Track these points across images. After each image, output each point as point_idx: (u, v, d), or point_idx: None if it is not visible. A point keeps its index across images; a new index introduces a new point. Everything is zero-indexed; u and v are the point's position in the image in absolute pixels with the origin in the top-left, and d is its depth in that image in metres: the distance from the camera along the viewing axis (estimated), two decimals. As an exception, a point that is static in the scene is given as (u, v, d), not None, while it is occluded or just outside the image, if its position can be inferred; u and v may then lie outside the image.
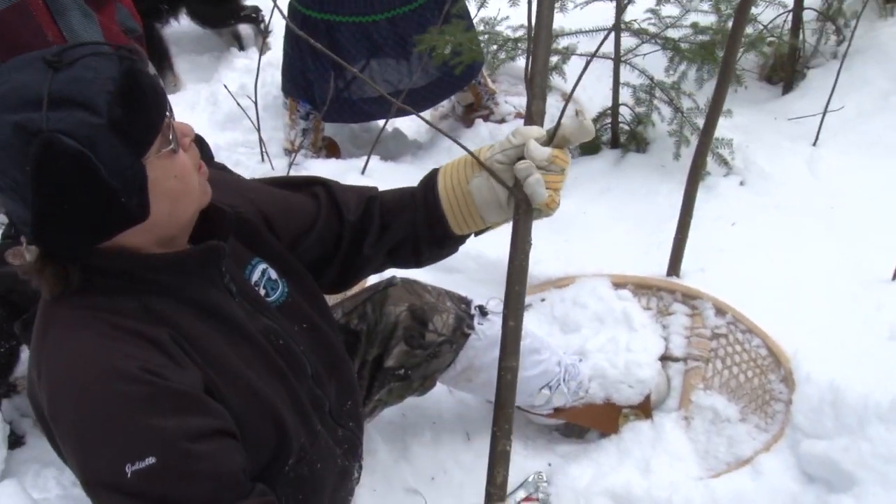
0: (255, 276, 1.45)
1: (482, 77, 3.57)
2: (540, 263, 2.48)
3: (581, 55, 2.95)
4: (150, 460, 1.09)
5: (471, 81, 3.39)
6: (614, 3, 2.86)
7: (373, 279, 2.00)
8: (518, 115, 3.61)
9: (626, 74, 2.97)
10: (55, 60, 1.07)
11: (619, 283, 2.39)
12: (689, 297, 2.34)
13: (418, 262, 1.67)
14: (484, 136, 3.38)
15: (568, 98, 1.40)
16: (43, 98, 1.04)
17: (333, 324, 1.64)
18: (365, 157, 3.04)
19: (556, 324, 2.38)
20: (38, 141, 1.04)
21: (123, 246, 1.20)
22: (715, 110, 2.14)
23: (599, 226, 2.72)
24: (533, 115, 1.41)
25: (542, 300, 2.45)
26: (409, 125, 3.70)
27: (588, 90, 3.45)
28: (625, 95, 3.01)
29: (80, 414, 1.13)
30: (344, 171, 2.95)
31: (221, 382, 1.26)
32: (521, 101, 3.71)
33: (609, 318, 2.31)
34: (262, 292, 1.45)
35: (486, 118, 3.55)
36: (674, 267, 2.38)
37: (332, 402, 1.57)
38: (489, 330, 1.92)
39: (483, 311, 1.96)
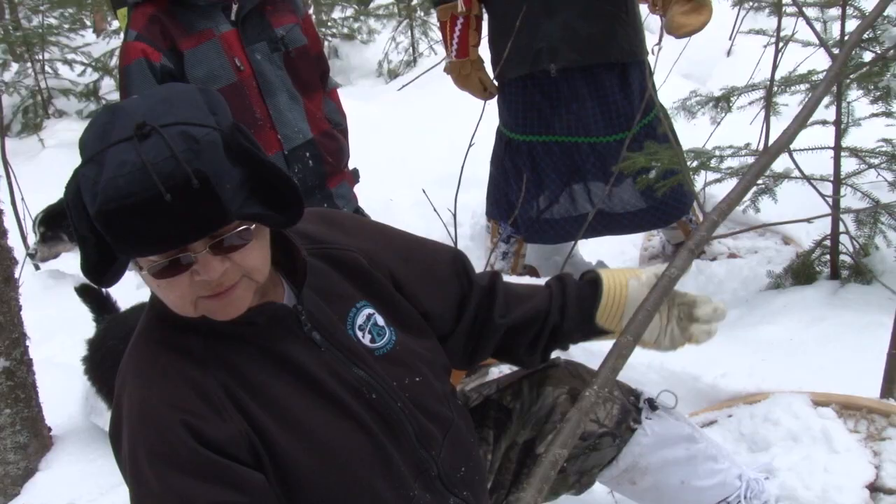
0: (360, 320, 1.40)
1: (694, 214, 3.45)
2: (727, 377, 2.24)
3: (796, 178, 2.77)
4: None
5: (680, 217, 3.28)
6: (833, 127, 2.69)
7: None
8: (731, 255, 3.42)
9: (848, 198, 2.74)
10: (145, 133, 1.10)
11: (820, 402, 2.07)
12: (908, 421, 1.97)
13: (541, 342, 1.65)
14: (691, 271, 3.22)
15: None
16: (103, 147, 1.11)
17: (447, 383, 1.54)
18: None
19: (742, 442, 2.09)
20: (77, 170, 1.15)
21: None
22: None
23: (806, 350, 2.42)
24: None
25: (729, 416, 2.18)
26: (613, 257, 3.63)
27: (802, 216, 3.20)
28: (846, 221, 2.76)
29: (123, 451, 1.25)
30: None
31: (279, 429, 1.25)
32: (734, 243, 3.53)
33: (805, 436, 1.99)
34: (367, 338, 1.39)
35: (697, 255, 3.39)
36: (889, 387, 2.04)
37: (443, 466, 1.45)
38: (658, 426, 1.70)
39: (653, 405, 1.75)
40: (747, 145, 2.80)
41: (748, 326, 2.69)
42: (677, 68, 4.78)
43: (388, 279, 1.46)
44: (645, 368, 2.27)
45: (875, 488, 1.87)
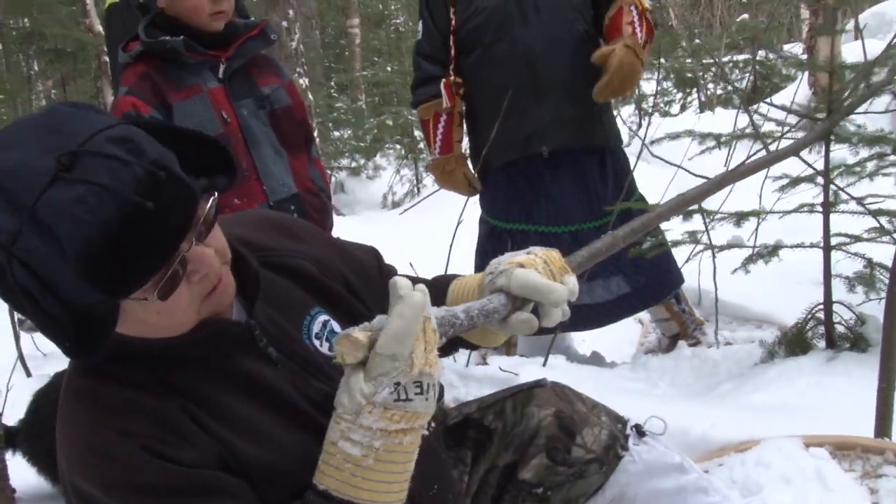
0: (316, 328, 1.32)
1: (686, 304, 3.43)
2: (716, 427, 2.15)
3: (786, 247, 2.78)
4: None
5: (668, 293, 3.26)
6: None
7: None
8: (727, 344, 3.37)
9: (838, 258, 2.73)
10: (65, 165, 0.94)
11: (813, 444, 1.99)
12: (905, 458, 1.88)
13: None
14: (686, 356, 3.17)
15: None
16: (27, 208, 0.93)
17: None
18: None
19: (734, 489, 1.97)
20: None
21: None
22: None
23: (800, 409, 2.34)
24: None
25: (720, 465, 2.08)
26: (611, 352, 3.57)
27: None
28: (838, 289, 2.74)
29: (79, 490, 1.10)
30: (520, 364, 2.86)
31: (249, 445, 1.16)
32: (731, 334, 3.50)
33: (798, 478, 1.89)
34: (325, 346, 1.32)
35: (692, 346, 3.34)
36: (882, 426, 1.96)
37: (414, 482, 1.38)
38: (647, 453, 1.59)
39: (640, 432, 1.65)
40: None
41: (740, 395, 2.61)
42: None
43: (341, 284, 1.40)
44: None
45: (874, 526, 1.76)
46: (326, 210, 2.57)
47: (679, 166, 2.94)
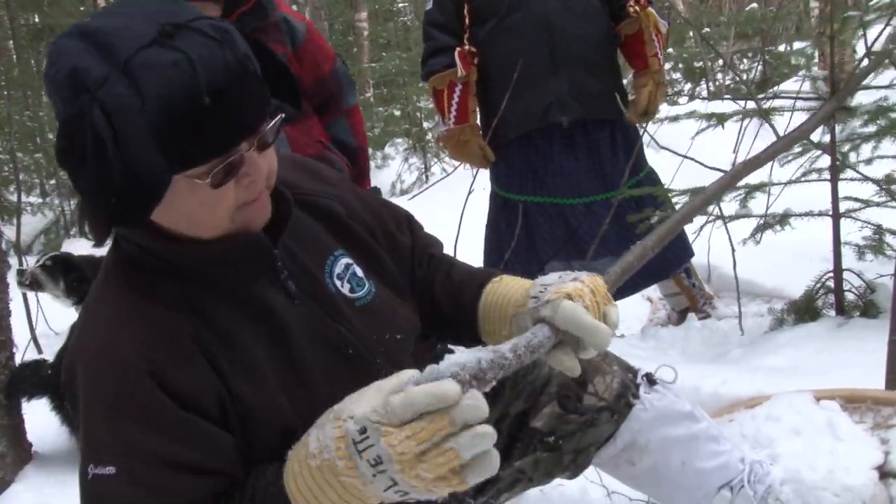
0: (339, 269, 1.33)
1: (696, 279, 3.43)
2: (727, 384, 2.16)
3: (795, 216, 2.79)
4: (110, 469, 1.06)
5: (672, 273, 3.27)
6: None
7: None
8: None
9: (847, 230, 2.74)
10: (167, 32, 0.98)
11: (823, 398, 1.99)
12: (916, 409, 1.89)
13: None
14: (696, 327, 3.18)
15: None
16: (121, 61, 0.97)
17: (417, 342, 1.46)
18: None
19: (744, 442, 1.98)
20: (79, 100, 0.98)
21: (162, 227, 1.13)
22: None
23: (811, 370, 2.34)
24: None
25: (731, 421, 2.08)
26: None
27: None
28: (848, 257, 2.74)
29: (76, 392, 1.12)
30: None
31: (247, 384, 1.15)
32: (742, 309, 3.49)
33: (808, 428, 1.90)
34: (346, 287, 1.32)
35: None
36: (893, 379, 1.96)
37: None
38: (658, 401, 1.61)
39: (651, 380, 1.65)
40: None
41: (751, 360, 2.62)
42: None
43: (366, 232, 1.41)
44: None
45: (885, 473, 1.76)
46: (341, 171, 2.53)
47: (685, 156, 2.99)
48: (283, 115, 1.12)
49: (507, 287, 1.39)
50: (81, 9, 12.85)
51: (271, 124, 1.10)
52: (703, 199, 2.01)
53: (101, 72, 0.97)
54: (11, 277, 2.57)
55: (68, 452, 2.41)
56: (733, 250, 3.04)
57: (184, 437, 1.09)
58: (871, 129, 2.71)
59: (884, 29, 2.74)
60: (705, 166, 2.94)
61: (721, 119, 3.04)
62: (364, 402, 0.97)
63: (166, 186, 1.01)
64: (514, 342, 1.12)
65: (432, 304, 1.48)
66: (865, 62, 2.74)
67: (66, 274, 3.10)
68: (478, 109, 3.15)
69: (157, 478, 1.07)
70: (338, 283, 1.31)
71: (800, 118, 2.72)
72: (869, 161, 2.66)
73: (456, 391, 0.93)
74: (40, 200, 7.92)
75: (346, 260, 1.34)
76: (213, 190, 1.06)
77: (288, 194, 1.25)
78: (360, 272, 1.35)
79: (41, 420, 2.44)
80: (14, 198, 7.04)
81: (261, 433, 1.16)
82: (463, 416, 0.93)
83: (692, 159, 3.03)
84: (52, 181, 8.01)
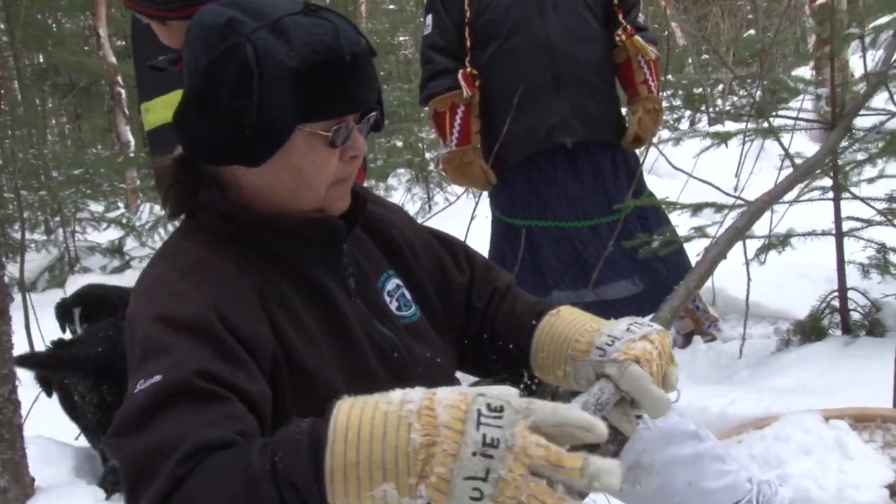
0: (390, 286, 1.36)
1: (700, 302, 3.42)
2: (735, 404, 2.14)
3: (798, 235, 2.78)
4: (157, 378, 1.01)
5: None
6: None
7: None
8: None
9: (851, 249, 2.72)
10: (312, 8, 1.14)
11: (832, 417, 1.97)
12: (926, 427, 1.87)
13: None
14: (702, 349, 3.16)
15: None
16: (271, 21, 1.10)
17: (453, 375, 1.46)
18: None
19: (754, 463, 1.97)
20: (231, 40, 1.09)
21: (244, 197, 1.20)
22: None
23: (819, 390, 2.32)
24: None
25: (739, 442, 2.06)
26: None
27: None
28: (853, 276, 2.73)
29: (135, 324, 1.10)
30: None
31: (305, 347, 1.16)
32: (747, 331, 3.47)
33: (818, 447, 1.88)
34: (394, 305, 1.35)
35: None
36: (902, 396, 1.95)
37: None
38: (661, 421, 1.56)
39: None
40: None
41: (758, 380, 2.60)
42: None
43: (415, 262, 1.43)
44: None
45: (895, 491, 1.74)
46: None
47: (690, 174, 2.99)
48: (379, 112, 1.22)
49: (565, 323, 1.36)
50: (86, 48, 13.03)
51: (371, 115, 1.21)
52: (735, 232, 2.03)
53: (253, 25, 1.09)
54: (15, 310, 2.57)
55: (70, 487, 2.39)
56: (748, 269, 3.01)
57: (233, 368, 1.06)
58: (873, 149, 2.72)
59: (883, 43, 2.75)
60: (713, 186, 2.93)
61: (724, 138, 3.04)
62: (500, 389, 0.86)
63: (290, 133, 1.11)
64: (583, 399, 1.10)
65: (493, 337, 1.46)
66: (864, 85, 2.75)
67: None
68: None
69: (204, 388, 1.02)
70: (387, 298, 1.34)
71: (801, 137, 2.72)
72: (871, 180, 2.65)
73: (606, 432, 0.88)
74: (45, 238, 7.92)
75: (396, 280, 1.38)
76: (327, 149, 1.15)
77: (363, 193, 1.32)
78: (408, 294, 1.38)
79: (36, 455, 2.42)
80: (18, 235, 7.05)
81: (311, 397, 1.14)
82: (596, 472, 0.86)
83: (700, 179, 3.02)
84: (57, 218, 8.03)
